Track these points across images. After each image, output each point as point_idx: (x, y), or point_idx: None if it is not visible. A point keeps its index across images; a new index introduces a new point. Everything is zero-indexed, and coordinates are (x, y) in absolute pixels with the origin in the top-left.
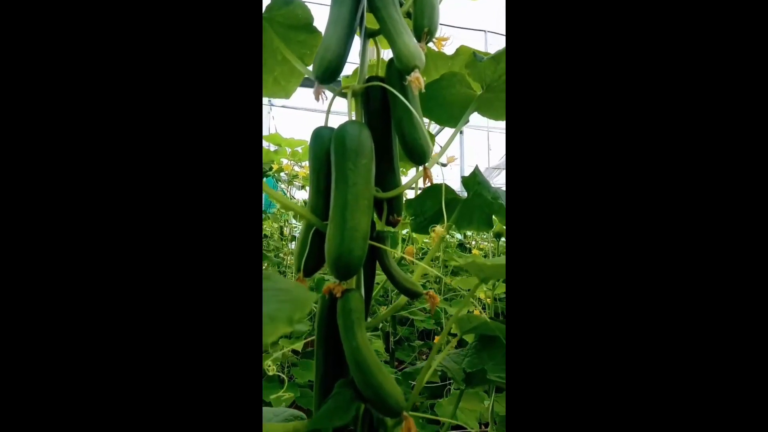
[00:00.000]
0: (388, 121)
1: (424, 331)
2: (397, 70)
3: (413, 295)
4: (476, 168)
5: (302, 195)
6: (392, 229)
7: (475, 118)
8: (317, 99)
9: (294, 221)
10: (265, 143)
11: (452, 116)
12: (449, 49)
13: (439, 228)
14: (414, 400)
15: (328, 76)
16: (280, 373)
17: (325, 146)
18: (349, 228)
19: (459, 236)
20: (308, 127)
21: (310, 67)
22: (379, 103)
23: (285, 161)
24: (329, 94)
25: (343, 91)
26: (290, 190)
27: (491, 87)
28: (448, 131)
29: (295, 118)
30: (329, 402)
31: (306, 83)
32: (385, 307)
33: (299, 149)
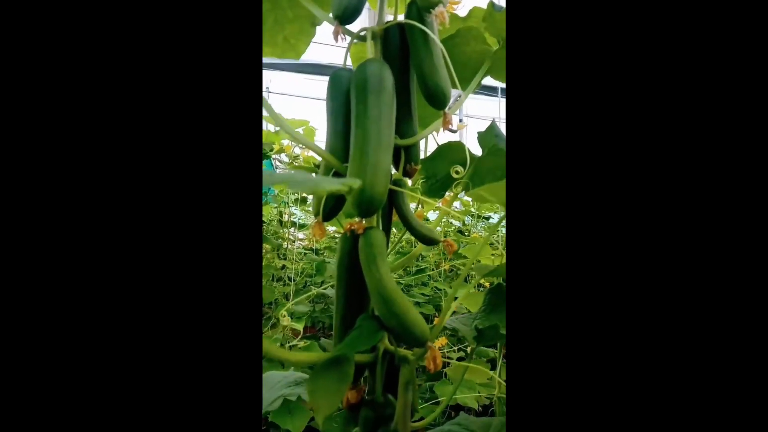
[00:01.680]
0: (406, 67)
1: (423, 315)
2: (418, 11)
3: (431, 242)
4: (493, 122)
5: None
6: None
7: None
8: (336, 39)
9: (294, 208)
10: (264, 124)
11: (465, 77)
12: (461, 12)
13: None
14: (436, 335)
15: (348, 15)
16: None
17: (344, 88)
18: (372, 163)
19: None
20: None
21: (318, 18)
22: (398, 47)
23: (286, 142)
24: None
25: (361, 33)
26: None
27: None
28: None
29: (292, 105)
30: (353, 333)
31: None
32: None
33: (300, 130)
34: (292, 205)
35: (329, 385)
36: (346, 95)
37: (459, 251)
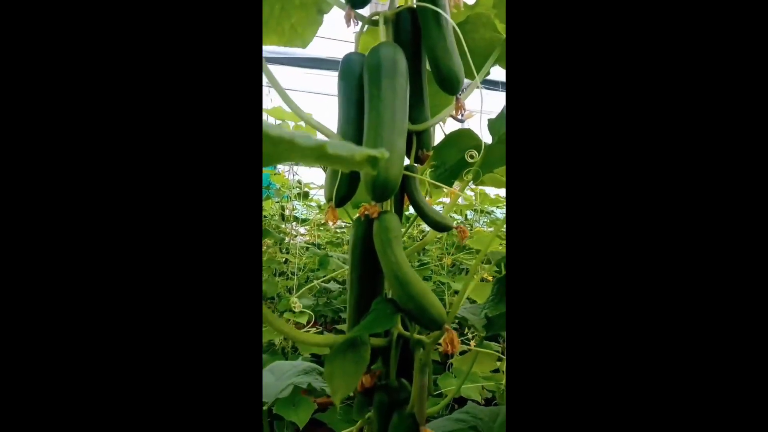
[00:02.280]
0: (418, 52)
1: None
2: None
3: (443, 228)
4: (503, 109)
5: (306, 174)
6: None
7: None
8: (348, 24)
9: (296, 202)
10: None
11: (475, 66)
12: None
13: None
14: (453, 317)
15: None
16: (284, 345)
17: (356, 73)
18: (386, 146)
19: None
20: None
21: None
22: (410, 32)
23: None
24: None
25: (373, 18)
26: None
27: None
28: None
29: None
30: (369, 316)
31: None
32: None
33: (302, 123)
34: (294, 199)
35: (346, 367)
36: (358, 79)
37: (463, 244)
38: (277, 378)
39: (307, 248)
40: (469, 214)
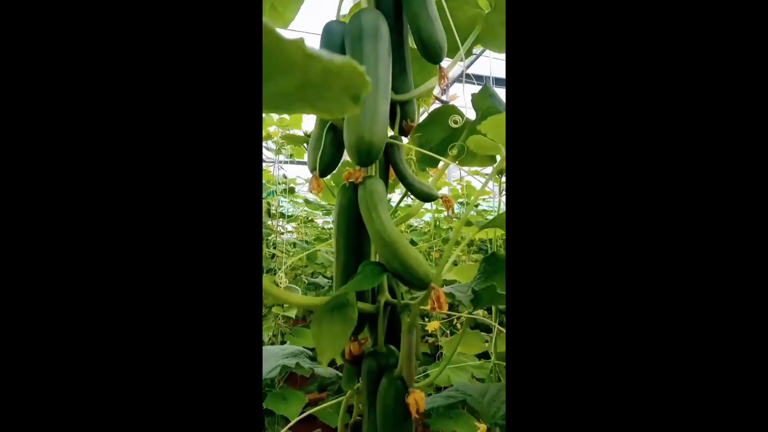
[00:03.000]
0: (400, 23)
1: None
2: None
3: (428, 198)
4: (486, 84)
5: (292, 169)
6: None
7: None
8: None
9: (282, 199)
10: None
11: (455, 45)
12: None
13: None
14: (439, 276)
15: None
16: (273, 341)
17: (337, 40)
18: (370, 109)
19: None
20: None
21: None
22: (392, 2)
23: (272, 128)
24: None
25: None
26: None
27: (499, 6)
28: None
29: None
30: (356, 276)
31: None
32: None
33: (287, 116)
34: (280, 195)
35: (333, 328)
36: (340, 48)
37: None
38: (266, 360)
39: (294, 245)
40: (456, 207)
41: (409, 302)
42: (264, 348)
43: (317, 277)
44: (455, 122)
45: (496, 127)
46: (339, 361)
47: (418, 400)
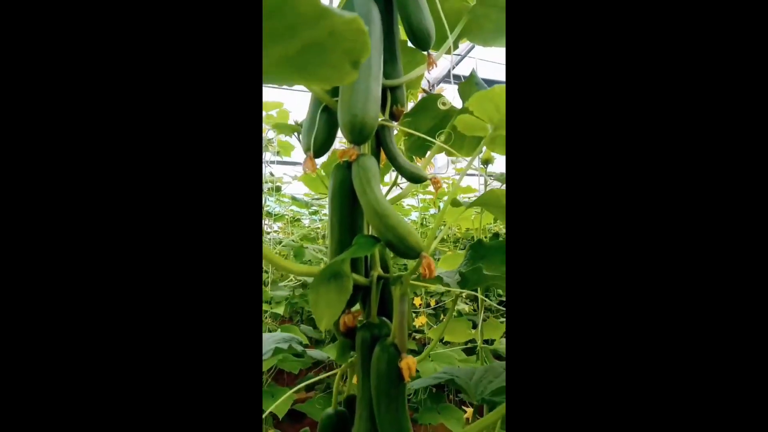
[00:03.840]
0: (391, 10)
1: None
2: None
3: (418, 179)
4: (473, 71)
5: (280, 169)
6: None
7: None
8: None
9: (269, 199)
10: None
11: (443, 36)
12: None
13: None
14: (429, 246)
15: None
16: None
17: None
18: (363, 89)
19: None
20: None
21: None
22: None
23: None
24: None
25: None
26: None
27: (484, 0)
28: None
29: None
30: (351, 247)
31: None
32: None
33: (274, 113)
34: (266, 194)
35: (330, 296)
36: None
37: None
38: None
39: (281, 242)
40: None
41: (401, 273)
42: None
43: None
44: (443, 104)
45: (483, 103)
46: (331, 331)
47: (410, 364)
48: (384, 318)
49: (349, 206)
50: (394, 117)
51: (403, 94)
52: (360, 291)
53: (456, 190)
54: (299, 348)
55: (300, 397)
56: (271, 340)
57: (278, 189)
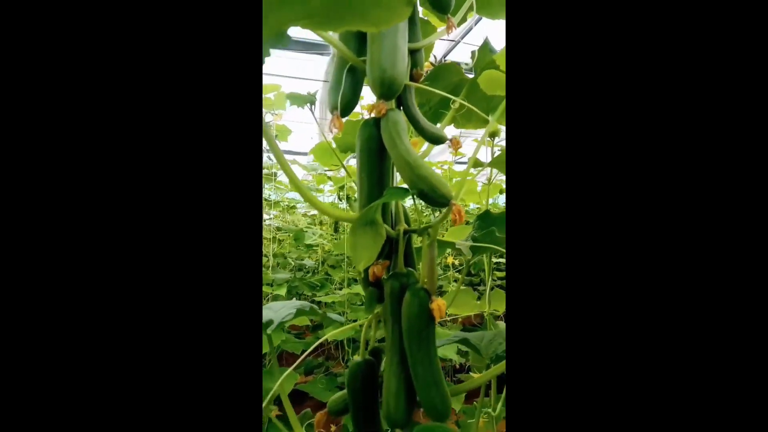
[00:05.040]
0: None
1: None
2: None
3: (437, 140)
4: (486, 39)
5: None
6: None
7: None
8: None
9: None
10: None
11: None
12: None
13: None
14: (458, 194)
15: None
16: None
17: None
18: (391, 46)
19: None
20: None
21: None
22: None
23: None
24: None
25: None
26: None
27: None
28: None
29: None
30: (384, 196)
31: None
32: None
33: (271, 95)
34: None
35: (366, 241)
36: None
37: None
38: (276, 311)
39: (279, 229)
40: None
41: (428, 224)
42: (272, 303)
43: (304, 260)
44: (466, 64)
45: (492, 82)
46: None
47: (440, 305)
48: (410, 268)
49: (377, 161)
50: (413, 79)
51: (422, 57)
52: (386, 245)
53: (476, 152)
54: (319, 312)
55: (300, 380)
56: (288, 306)
57: (274, 176)
